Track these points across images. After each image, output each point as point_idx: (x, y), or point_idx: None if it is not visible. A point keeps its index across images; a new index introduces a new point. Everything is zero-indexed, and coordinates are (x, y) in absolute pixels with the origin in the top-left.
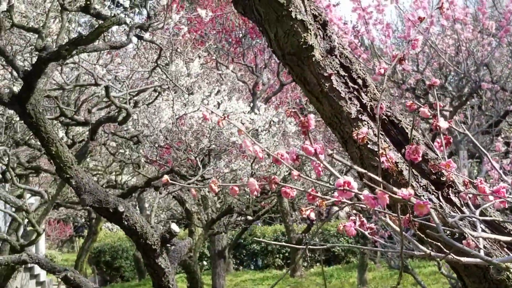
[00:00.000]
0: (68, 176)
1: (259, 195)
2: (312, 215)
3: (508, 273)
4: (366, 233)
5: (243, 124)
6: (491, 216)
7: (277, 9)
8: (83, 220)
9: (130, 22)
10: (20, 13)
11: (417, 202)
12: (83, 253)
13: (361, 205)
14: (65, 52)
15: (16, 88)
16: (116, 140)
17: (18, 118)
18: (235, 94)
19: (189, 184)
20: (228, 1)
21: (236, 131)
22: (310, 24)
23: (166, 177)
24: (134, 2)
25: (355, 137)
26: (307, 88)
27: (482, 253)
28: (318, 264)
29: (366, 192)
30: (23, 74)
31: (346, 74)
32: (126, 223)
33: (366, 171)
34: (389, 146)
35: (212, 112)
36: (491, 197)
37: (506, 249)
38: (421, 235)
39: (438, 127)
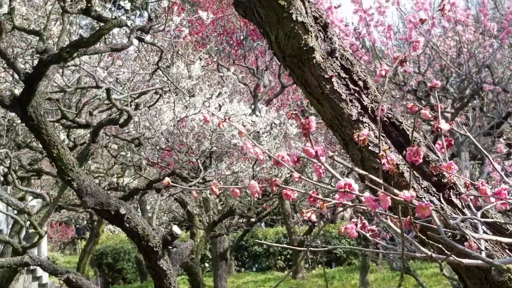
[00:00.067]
0: (69, 178)
1: (260, 197)
2: (313, 217)
3: (509, 274)
4: (368, 235)
5: (244, 126)
6: (492, 218)
7: (278, 11)
8: (85, 222)
9: (131, 24)
10: (21, 16)
11: (419, 204)
12: (85, 255)
13: (362, 207)
14: (66, 54)
15: (17, 91)
16: (117, 143)
17: (19, 121)
18: (236, 96)
19: (190, 186)
20: (229, 3)
21: (237, 133)
22: (311, 26)
23: (167, 179)
24: (135, 4)
25: (356, 139)
26: (307, 90)
27: (483, 254)
28: (320, 266)
29: (367, 194)
30: (24, 77)
31: (347, 76)
32: (127, 225)
33: (367, 173)
34: (390, 148)
35: (213, 114)
36: (492, 199)
37: (507, 251)
38: (423, 237)
39: (439, 129)
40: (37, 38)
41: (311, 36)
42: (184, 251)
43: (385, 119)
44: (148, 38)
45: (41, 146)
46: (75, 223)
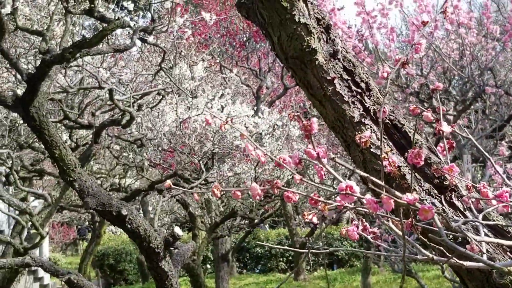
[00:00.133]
0: (71, 179)
1: (262, 198)
2: (315, 219)
3: (511, 277)
4: (369, 237)
5: (246, 127)
6: (494, 221)
7: (281, 12)
8: (87, 223)
9: (134, 25)
10: (24, 16)
11: (422, 207)
12: (87, 256)
13: (363, 209)
14: (69, 55)
15: (20, 91)
16: (119, 143)
17: (21, 121)
18: (239, 97)
19: (192, 187)
20: (232, 4)
21: (239, 135)
22: (313, 27)
23: (169, 182)
24: (138, 5)
25: (358, 141)
26: (310, 91)
27: (485, 257)
28: (321, 267)
29: (368, 196)
30: (26, 77)
31: (349, 78)
32: (129, 226)
33: (368, 175)
34: (392, 150)
35: (214, 116)
36: (494, 202)
37: (509, 253)
38: (424, 239)
39: (441, 131)
40: (40, 38)
41: (313, 37)
42: (185, 253)
43: (387, 121)
44: (151, 39)
45: (43, 147)
46: (77, 224)
